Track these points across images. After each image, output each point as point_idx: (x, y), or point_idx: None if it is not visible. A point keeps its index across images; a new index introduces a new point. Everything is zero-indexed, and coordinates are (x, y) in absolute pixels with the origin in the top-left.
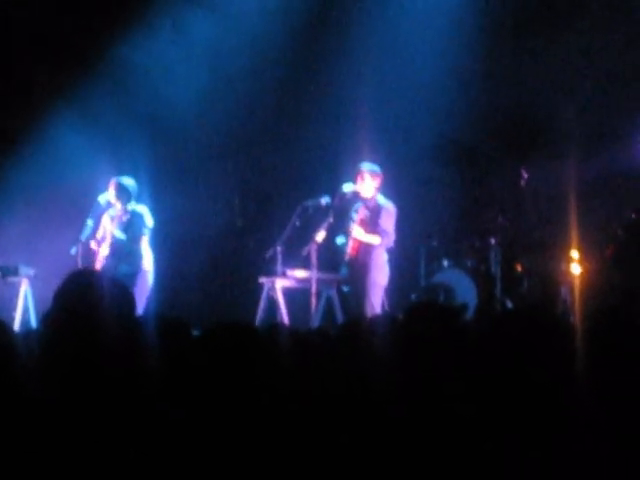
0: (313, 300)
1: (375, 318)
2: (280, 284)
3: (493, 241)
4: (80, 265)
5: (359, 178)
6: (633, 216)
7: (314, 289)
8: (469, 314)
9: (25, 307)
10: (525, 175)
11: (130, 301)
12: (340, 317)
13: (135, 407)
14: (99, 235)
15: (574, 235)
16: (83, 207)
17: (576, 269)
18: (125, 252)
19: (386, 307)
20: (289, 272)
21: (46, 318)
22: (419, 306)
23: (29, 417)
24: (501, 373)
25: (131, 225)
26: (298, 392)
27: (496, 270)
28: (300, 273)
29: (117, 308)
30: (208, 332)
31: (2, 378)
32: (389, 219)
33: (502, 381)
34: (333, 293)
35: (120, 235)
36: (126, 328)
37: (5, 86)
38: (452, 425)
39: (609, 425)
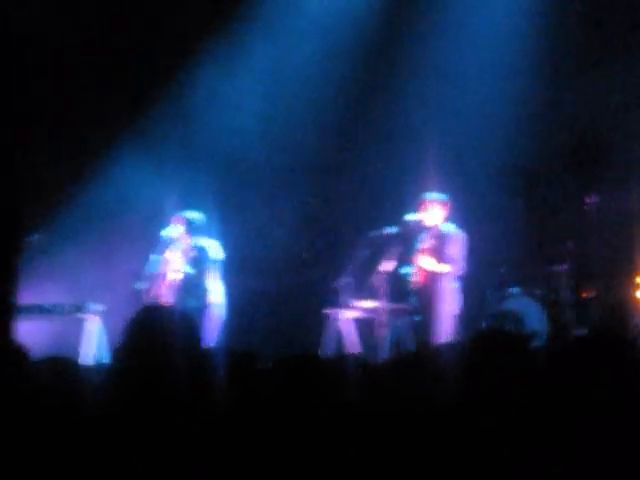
0: (382, 331)
1: (442, 345)
2: (348, 315)
3: (562, 268)
4: (146, 300)
5: (423, 207)
6: None
7: (382, 319)
8: (539, 341)
9: (96, 343)
10: (593, 201)
11: (197, 334)
12: (410, 347)
13: (204, 439)
14: (165, 270)
15: None
16: (149, 242)
17: None
18: (193, 286)
19: (458, 335)
20: (357, 303)
21: (117, 353)
22: (486, 333)
23: (99, 450)
24: (571, 398)
25: (199, 260)
26: (366, 421)
27: (565, 297)
28: (367, 304)
29: (185, 342)
30: (276, 364)
31: (70, 413)
32: (456, 247)
33: (571, 407)
34: (402, 323)
35: (188, 270)
36: (194, 361)
37: (70, 121)
38: (517, 450)
39: None
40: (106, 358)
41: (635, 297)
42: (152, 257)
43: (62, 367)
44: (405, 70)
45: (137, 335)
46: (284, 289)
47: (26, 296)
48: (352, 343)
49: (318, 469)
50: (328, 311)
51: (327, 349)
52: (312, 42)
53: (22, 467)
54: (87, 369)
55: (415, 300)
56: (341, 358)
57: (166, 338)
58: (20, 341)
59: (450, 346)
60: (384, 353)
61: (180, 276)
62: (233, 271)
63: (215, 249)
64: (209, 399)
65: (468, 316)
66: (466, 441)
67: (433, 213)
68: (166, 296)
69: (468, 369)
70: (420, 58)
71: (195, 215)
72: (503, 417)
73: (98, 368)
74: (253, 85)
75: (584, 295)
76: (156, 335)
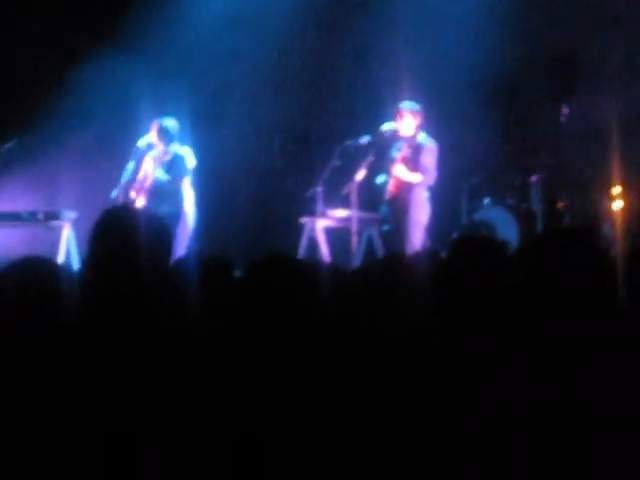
0: (354, 239)
1: (416, 254)
2: (321, 224)
3: (534, 178)
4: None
5: (399, 117)
6: None
7: (355, 228)
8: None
9: (67, 251)
10: (566, 111)
11: (167, 236)
12: (381, 256)
13: (177, 347)
14: (140, 177)
15: (616, 171)
16: (124, 150)
17: (618, 205)
18: (166, 193)
19: (427, 245)
20: (330, 212)
21: (85, 259)
22: (464, 240)
23: (70, 358)
24: (544, 298)
25: (173, 166)
26: (340, 329)
27: (537, 207)
28: (340, 212)
29: (154, 242)
30: (252, 267)
31: (47, 316)
32: (430, 157)
33: (547, 310)
34: (374, 232)
35: (162, 176)
36: (165, 264)
37: (49, 27)
38: (494, 360)
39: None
40: (77, 266)
41: (608, 208)
42: (128, 164)
43: (40, 267)
44: None
45: (103, 235)
46: (258, 198)
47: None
48: (325, 252)
49: (291, 375)
50: (302, 220)
51: (302, 257)
52: None
53: None
54: (65, 271)
55: (387, 209)
56: (315, 262)
57: (133, 238)
58: None
59: (423, 254)
60: (356, 262)
61: (155, 183)
62: (205, 179)
63: (189, 156)
64: (183, 307)
65: (440, 226)
66: (442, 351)
67: (408, 122)
68: (141, 203)
69: (443, 276)
70: None
71: (169, 122)
72: (477, 324)
73: (68, 275)
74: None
75: (557, 206)
76: (122, 235)
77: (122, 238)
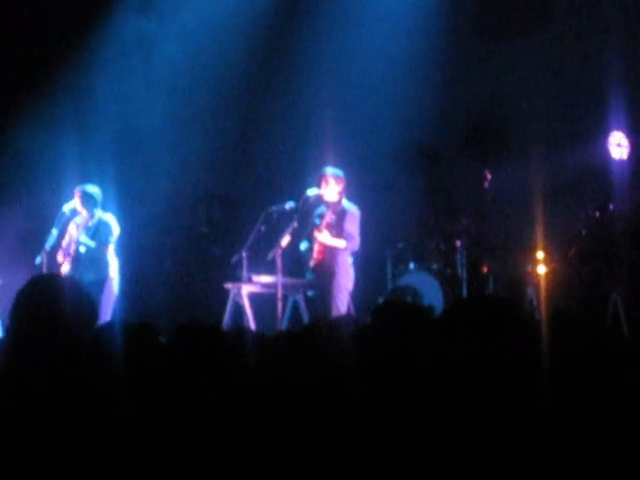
0: (279, 305)
1: (340, 318)
2: (246, 290)
3: (458, 243)
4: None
5: (323, 182)
6: (597, 215)
7: (280, 294)
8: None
9: None
10: (489, 177)
11: (91, 303)
12: (306, 321)
13: (101, 412)
14: (65, 243)
15: (539, 236)
16: (48, 216)
17: (541, 270)
18: (91, 260)
19: (352, 310)
20: (255, 277)
21: (10, 326)
22: (388, 305)
23: None
24: (467, 366)
25: (97, 232)
26: (264, 392)
27: (462, 272)
28: (265, 278)
29: (78, 310)
30: (175, 334)
31: None
32: (354, 223)
33: (469, 376)
34: (299, 298)
35: (87, 242)
36: (89, 331)
37: None
38: (417, 422)
39: (562, 426)
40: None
41: (531, 272)
42: (52, 230)
43: None
44: (304, 48)
45: (26, 304)
46: (183, 264)
47: None
48: (250, 317)
49: (214, 438)
50: (227, 285)
51: (226, 323)
52: (211, 22)
53: None
54: None
55: (312, 275)
56: (239, 329)
57: (57, 307)
58: None
59: (344, 318)
60: (281, 327)
61: (80, 249)
62: (130, 246)
63: (113, 223)
64: (107, 373)
65: (366, 292)
66: (364, 413)
67: (332, 188)
68: (66, 269)
69: (368, 339)
70: (319, 37)
71: (92, 188)
72: (399, 387)
73: None
74: (154, 68)
75: (481, 270)
76: (47, 304)
77: (46, 306)
